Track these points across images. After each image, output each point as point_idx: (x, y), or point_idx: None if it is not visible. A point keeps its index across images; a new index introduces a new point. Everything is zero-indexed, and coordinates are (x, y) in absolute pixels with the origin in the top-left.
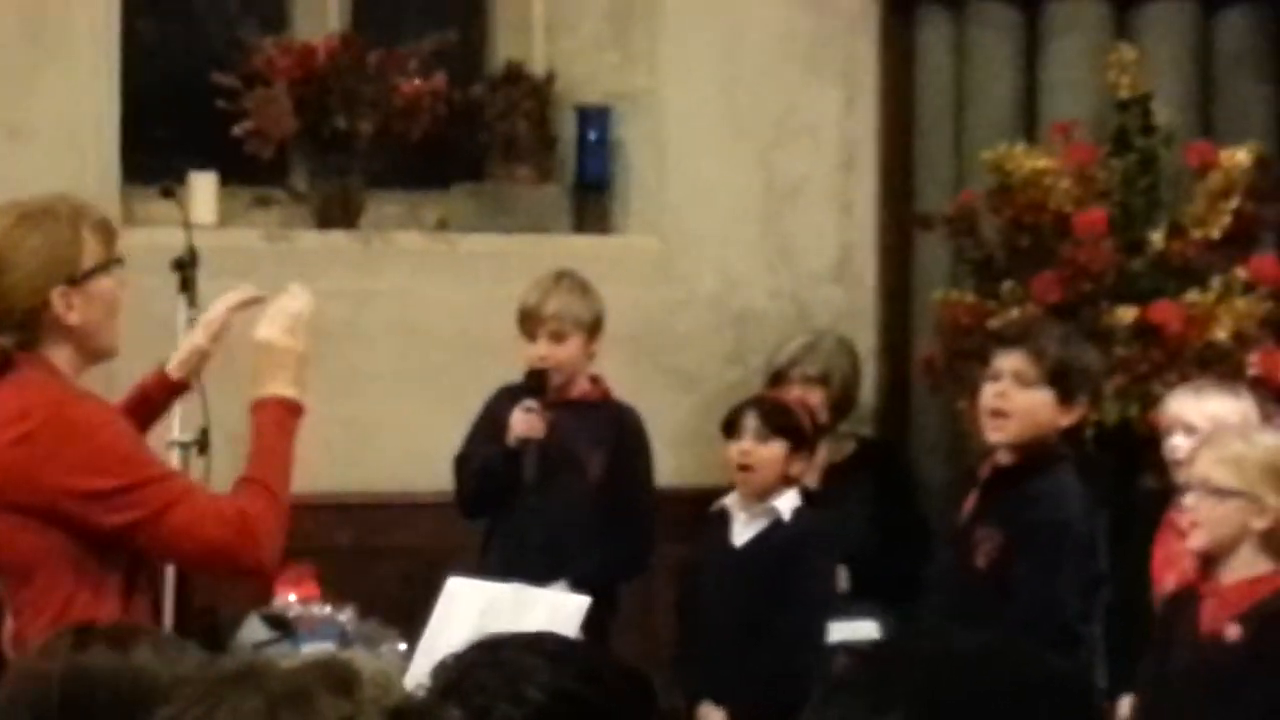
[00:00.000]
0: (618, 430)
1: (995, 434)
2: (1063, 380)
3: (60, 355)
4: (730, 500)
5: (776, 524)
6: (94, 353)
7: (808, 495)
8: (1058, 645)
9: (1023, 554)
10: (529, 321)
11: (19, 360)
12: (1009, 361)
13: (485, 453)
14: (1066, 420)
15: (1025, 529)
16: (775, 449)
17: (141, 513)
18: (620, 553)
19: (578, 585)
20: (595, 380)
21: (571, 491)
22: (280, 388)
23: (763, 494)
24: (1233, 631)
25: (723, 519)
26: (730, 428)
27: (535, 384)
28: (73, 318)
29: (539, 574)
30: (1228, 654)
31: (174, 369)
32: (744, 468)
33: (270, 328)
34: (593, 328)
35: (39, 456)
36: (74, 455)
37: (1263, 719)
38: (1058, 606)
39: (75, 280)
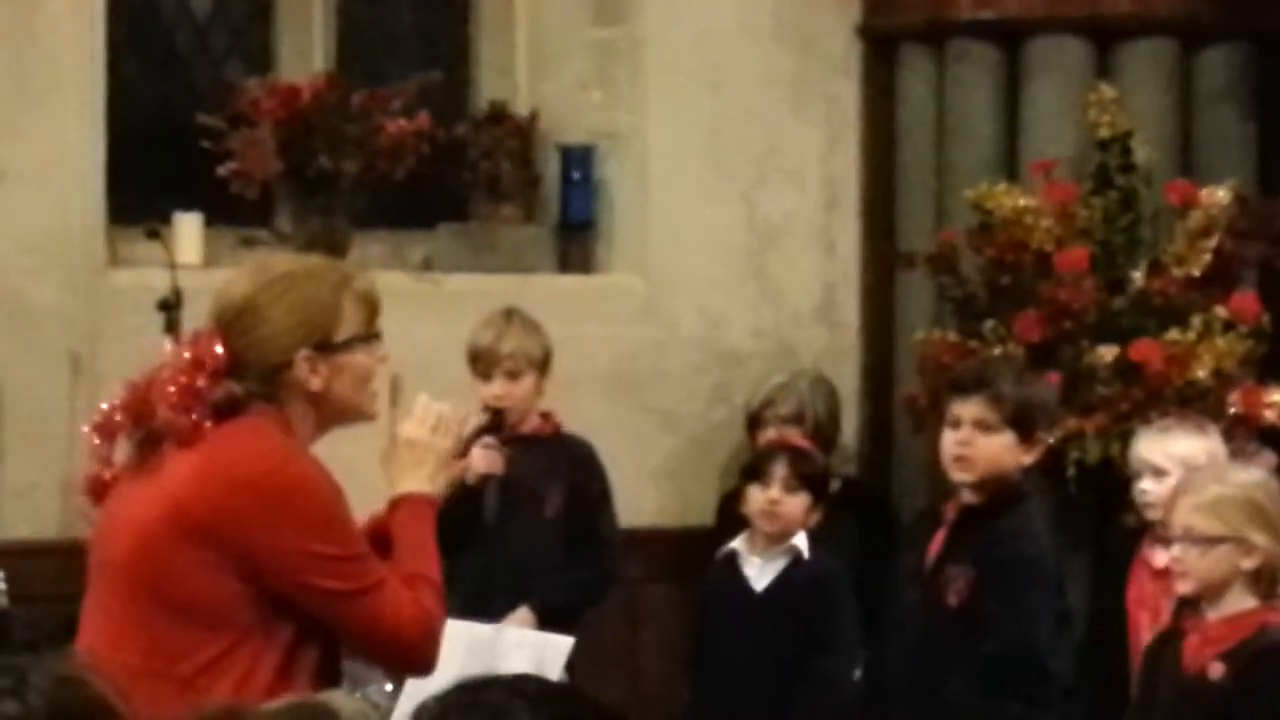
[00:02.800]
0: (572, 464)
1: (960, 474)
2: (1022, 421)
3: (298, 414)
4: (740, 544)
5: (796, 561)
6: (338, 418)
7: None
8: (1031, 682)
9: (994, 592)
10: (483, 361)
11: (252, 408)
12: (968, 410)
13: (445, 492)
14: (1029, 458)
15: (995, 567)
16: (801, 500)
17: (345, 585)
18: (581, 581)
19: (542, 615)
20: (546, 416)
21: (531, 527)
22: (418, 484)
23: (780, 540)
24: (1216, 670)
25: (731, 564)
26: (756, 472)
27: (491, 422)
28: (315, 383)
29: (502, 611)
30: (1212, 692)
31: None
32: (770, 515)
33: (410, 425)
34: (544, 365)
35: (252, 506)
36: (293, 513)
37: None
38: (1031, 643)
39: (325, 347)
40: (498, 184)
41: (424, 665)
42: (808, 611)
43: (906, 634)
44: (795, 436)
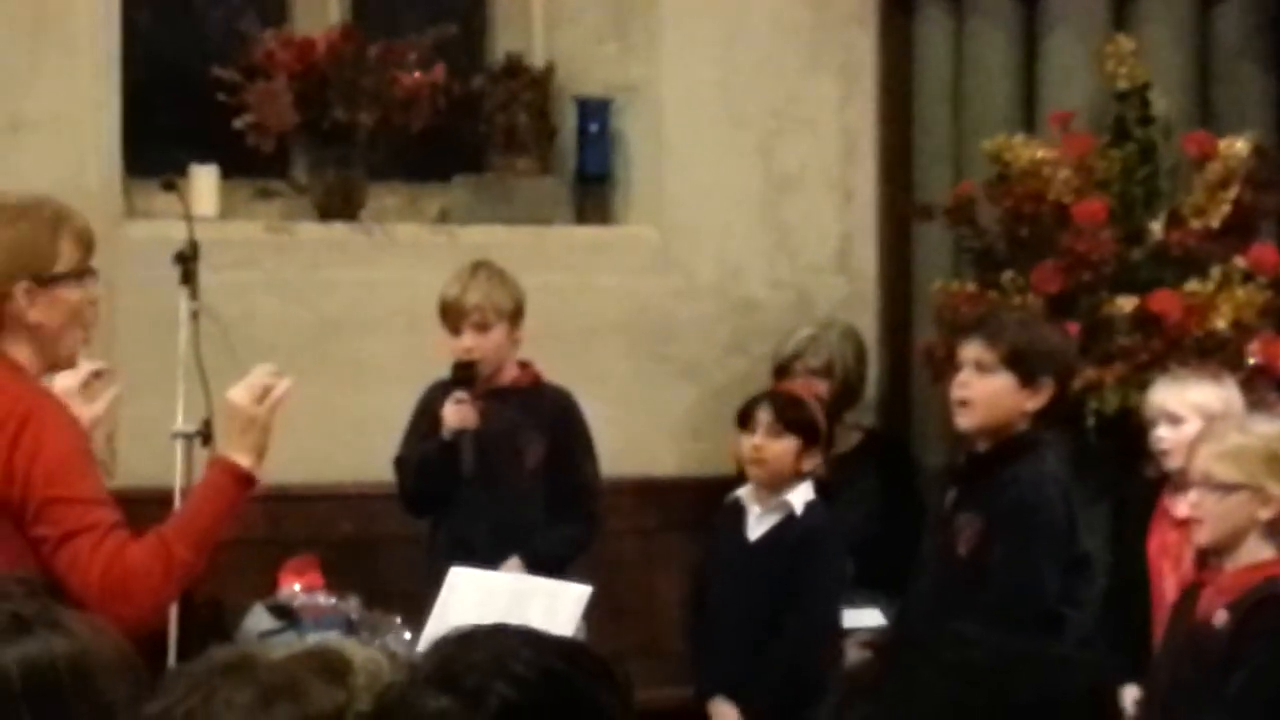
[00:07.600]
0: (552, 414)
1: (962, 421)
2: (1021, 363)
3: (22, 353)
4: (744, 493)
5: (790, 518)
6: (51, 359)
7: (822, 486)
8: (1037, 628)
9: (999, 539)
10: (451, 315)
11: None
12: (968, 350)
13: (423, 448)
14: (1033, 404)
15: (1001, 514)
16: (787, 444)
17: (50, 531)
18: (570, 534)
19: (532, 563)
20: (524, 366)
21: (511, 479)
22: (233, 451)
23: (775, 487)
24: (1220, 618)
25: (736, 511)
26: (744, 419)
27: (464, 375)
28: (33, 315)
29: (487, 563)
30: (1215, 639)
31: None
32: (756, 462)
33: (239, 391)
34: (514, 315)
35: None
36: (30, 456)
37: (1244, 702)
38: (1036, 589)
39: (42, 280)
40: (514, 136)
41: (116, 621)
42: (790, 566)
43: (922, 583)
44: (818, 387)
